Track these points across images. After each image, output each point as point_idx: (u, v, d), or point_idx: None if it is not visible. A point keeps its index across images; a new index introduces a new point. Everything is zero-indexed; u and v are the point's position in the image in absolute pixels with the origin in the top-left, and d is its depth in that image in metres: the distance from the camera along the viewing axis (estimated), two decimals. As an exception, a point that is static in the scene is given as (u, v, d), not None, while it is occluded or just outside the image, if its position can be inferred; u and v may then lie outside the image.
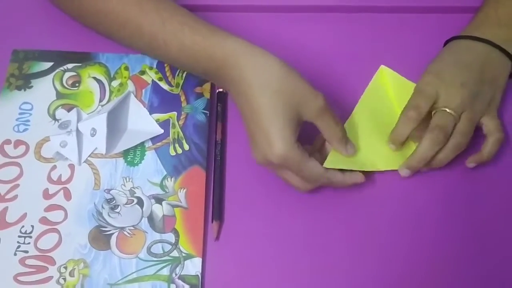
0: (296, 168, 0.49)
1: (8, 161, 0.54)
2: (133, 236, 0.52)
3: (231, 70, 0.50)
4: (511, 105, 0.61)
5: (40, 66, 0.59)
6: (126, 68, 0.60)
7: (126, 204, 0.53)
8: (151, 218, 0.53)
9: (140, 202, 0.53)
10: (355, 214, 0.55)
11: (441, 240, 0.54)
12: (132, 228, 0.52)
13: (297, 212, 0.54)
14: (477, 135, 0.56)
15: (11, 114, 0.56)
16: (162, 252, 0.51)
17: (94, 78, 0.59)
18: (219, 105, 0.59)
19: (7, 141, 0.55)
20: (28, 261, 0.50)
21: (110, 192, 0.54)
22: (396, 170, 0.56)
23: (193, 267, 0.51)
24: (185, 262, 0.51)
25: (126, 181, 0.54)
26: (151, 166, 0.55)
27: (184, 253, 0.51)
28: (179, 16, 0.53)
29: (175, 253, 0.51)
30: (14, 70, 0.58)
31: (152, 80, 0.59)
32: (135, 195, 0.54)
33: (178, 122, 0.57)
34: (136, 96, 0.58)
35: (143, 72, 0.60)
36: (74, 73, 0.59)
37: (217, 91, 0.60)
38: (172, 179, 0.54)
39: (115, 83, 0.59)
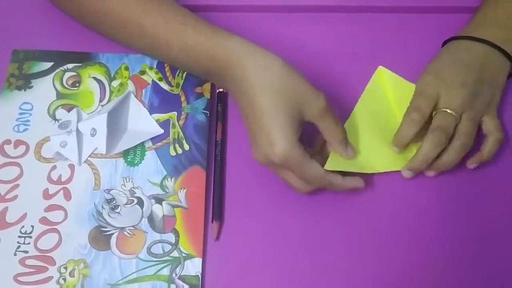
0: (297, 168, 0.49)
1: (8, 161, 0.54)
2: (133, 236, 0.52)
3: (233, 70, 0.49)
4: (510, 105, 0.61)
5: (40, 66, 0.59)
6: (126, 68, 0.60)
7: (126, 204, 0.53)
8: (151, 218, 0.53)
9: (140, 202, 0.53)
10: (355, 214, 0.55)
11: (441, 240, 0.54)
12: (132, 228, 0.52)
13: (297, 212, 0.54)
14: (476, 135, 0.56)
15: (11, 114, 0.56)
16: (162, 252, 0.51)
17: (94, 78, 0.59)
18: (219, 105, 0.59)
19: (7, 141, 0.55)
20: (28, 261, 0.50)
21: (110, 192, 0.54)
22: (395, 171, 0.56)
23: (193, 267, 0.51)
24: (185, 262, 0.51)
25: (126, 181, 0.54)
26: (151, 166, 0.55)
27: (184, 253, 0.51)
28: (182, 16, 0.53)
29: (175, 253, 0.51)
30: (14, 70, 0.58)
31: (152, 80, 0.59)
32: (135, 195, 0.54)
33: (178, 122, 0.57)
34: (136, 96, 0.58)
35: (143, 72, 0.59)
36: (74, 73, 0.59)
37: (217, 91, 0.60)
38: (172, 179, 0.54)
39: (115, 83, 0.59)
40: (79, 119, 0.56)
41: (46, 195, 0.53)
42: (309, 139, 0.53)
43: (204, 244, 0.52)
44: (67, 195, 0.53)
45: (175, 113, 0.58)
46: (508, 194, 0.56)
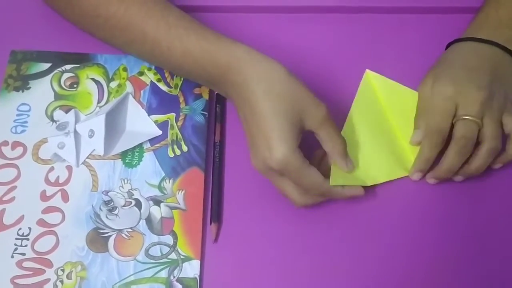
0: (295, 175, 0.48)
1: (5, 162, 0.54)
2: (131, 238, 0.52)
3: (235, 76, 0.49)
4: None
5: (38, 67, 0.59)
6: (125, 69, 0.59)
7: (124, 206, 0.53)
8: (149, 220, 0.52)
9: (138, 204, 0.53)
10: (355, 215, 0.54)
11: (442, 241, 0.54)
12: (130, 230, 0.52)
13: (296, 214, 0.54)
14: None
15: (8, 115, 0.56)
16: (160, 254, 0.51)
17: (92, 79, 0.59)
18: (218, 106, 0.58)
19: (5, 143, 0.55)
20: (25, 264, 0.50)
21: (108, 194, 0.53)
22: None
23: (192, 269, 0.51)
24: (183, 264, 0.51)
25: (124, 183, 0.54)
26: (149, 168, 0.55)
27: (182, 255, 0.51)
28: (184, 21, 0.53)
29: (173, 256, 0.51)
30: (12, 71, 0.58)
31: (151, 81, 0.59)
32: (133, 197, 0.53)
33: (176, 123, 0.57)
34: (134, 97, 0.58)
35: (141, 73, 0.59)
36: (72, 74, 0.59)
37: (216, 92, 0.59)
38: (171, 180, 0.54)
39: (113, 84, 0.59)
40: (77, 120, 0.56)
41: (44, 196, 0.53)
42: (308, 150, 0.51)
43: (202, 246, 0.52)
44: (65, 197, 0.53)
45: (174, 114, 0.57)
46: (508, 194, 0.56)
